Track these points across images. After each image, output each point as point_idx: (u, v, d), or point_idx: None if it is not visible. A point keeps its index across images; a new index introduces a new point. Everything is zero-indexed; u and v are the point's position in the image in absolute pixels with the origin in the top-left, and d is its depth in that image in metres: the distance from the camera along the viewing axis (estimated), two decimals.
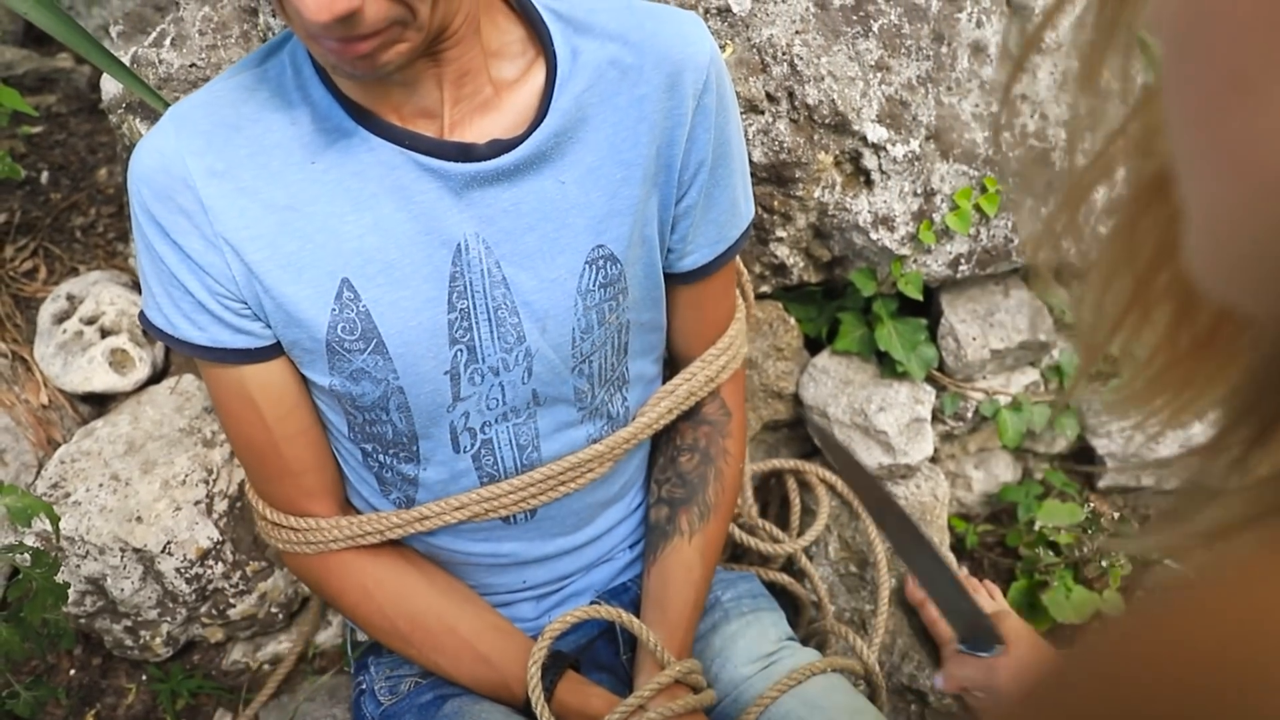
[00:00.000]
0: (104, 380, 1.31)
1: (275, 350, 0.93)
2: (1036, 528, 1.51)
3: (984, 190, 1.33)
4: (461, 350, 0.92)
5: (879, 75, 1.23)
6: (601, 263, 0.93)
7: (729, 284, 1.11)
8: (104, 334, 1.34)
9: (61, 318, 1.38)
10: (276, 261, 0.86)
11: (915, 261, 1.36)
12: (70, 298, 1.40)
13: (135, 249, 0.92)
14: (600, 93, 0.89)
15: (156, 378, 1.37)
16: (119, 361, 1.33)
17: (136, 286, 1.43)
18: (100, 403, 1.38)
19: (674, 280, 1.04)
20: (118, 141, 1.27)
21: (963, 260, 1.39)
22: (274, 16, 1.15)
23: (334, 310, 0.88)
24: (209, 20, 1.20)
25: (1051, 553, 1.48)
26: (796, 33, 1.18)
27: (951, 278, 1.41)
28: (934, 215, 1.32)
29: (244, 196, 0.85)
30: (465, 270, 0.89)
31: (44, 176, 1.59)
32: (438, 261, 0.88)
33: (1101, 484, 1.65)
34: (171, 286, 0.89)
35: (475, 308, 0.90)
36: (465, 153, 0.86)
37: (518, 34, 0.90)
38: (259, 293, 0.88)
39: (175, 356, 1.40)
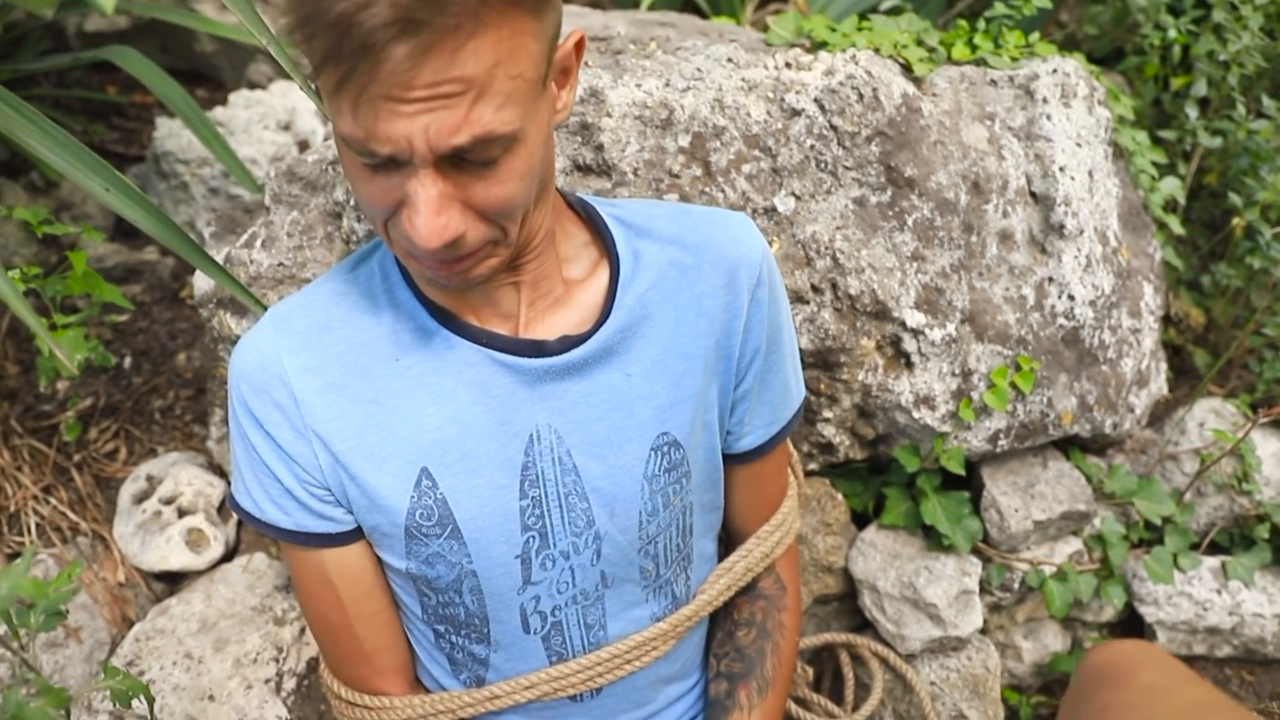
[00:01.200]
0: (180, 559, 1.36)
1: (355, 535, 0.98)
2: None
3: (1018, 368, 1.39)
4: (533, 536, 0.96)
5: (915, 265, 1.31)
6: (666, 449, 0.99)
7: (783, 463, 1.16)
8: (181, 514, 1.40)
9: (141, 498, 1.45)
10: (361, 451, 0.93)
11: (956, 437, 1.41)
12: (150, 478, 1.47)
13: (229, 436, 1.00)
14: (662, 291, 0.97)
15: (229, 555, 1.42)
16: (195, 540, 1.38)
17: (213, 468, 1.50)
18: (173, 580, 1.43)
19: (732, 461, 1.09)
20: (207, 333, 1.36)
21: (1001, 435, 1.44)
22: (358, 221, 1.26)
23: (413, 497, 0.94)
24: (296, 223, 1.32)
25: None
26: (838, 228, 1.27)
27: (991, 452, 1.46)
28: (972, 394, 1.38)
29: (333, 391, 0.93)
30: (537, 459, 0.95)
31: (127, 361, 1.69)
32: (511, 451, 0.94)
33: None
34: (262, 474, 0.96)
35: (546, 495, 0.96)
36: (538, 349, 0.94)
37: (584, 238, 0.99)
38: (343, 480, 0.94)
39: (246, 534, 1.45)
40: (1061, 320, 1.44)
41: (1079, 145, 1.47)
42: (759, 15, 2.18)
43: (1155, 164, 1.73)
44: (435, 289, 0.94)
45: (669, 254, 0.98)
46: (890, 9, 1.97)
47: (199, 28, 1.78)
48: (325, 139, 1.46)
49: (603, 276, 0.97)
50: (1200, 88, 1.84)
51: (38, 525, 1.46)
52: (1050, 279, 1.43)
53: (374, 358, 0.94)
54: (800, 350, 1.27)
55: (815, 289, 1.27)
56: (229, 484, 1.48)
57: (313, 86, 1.17)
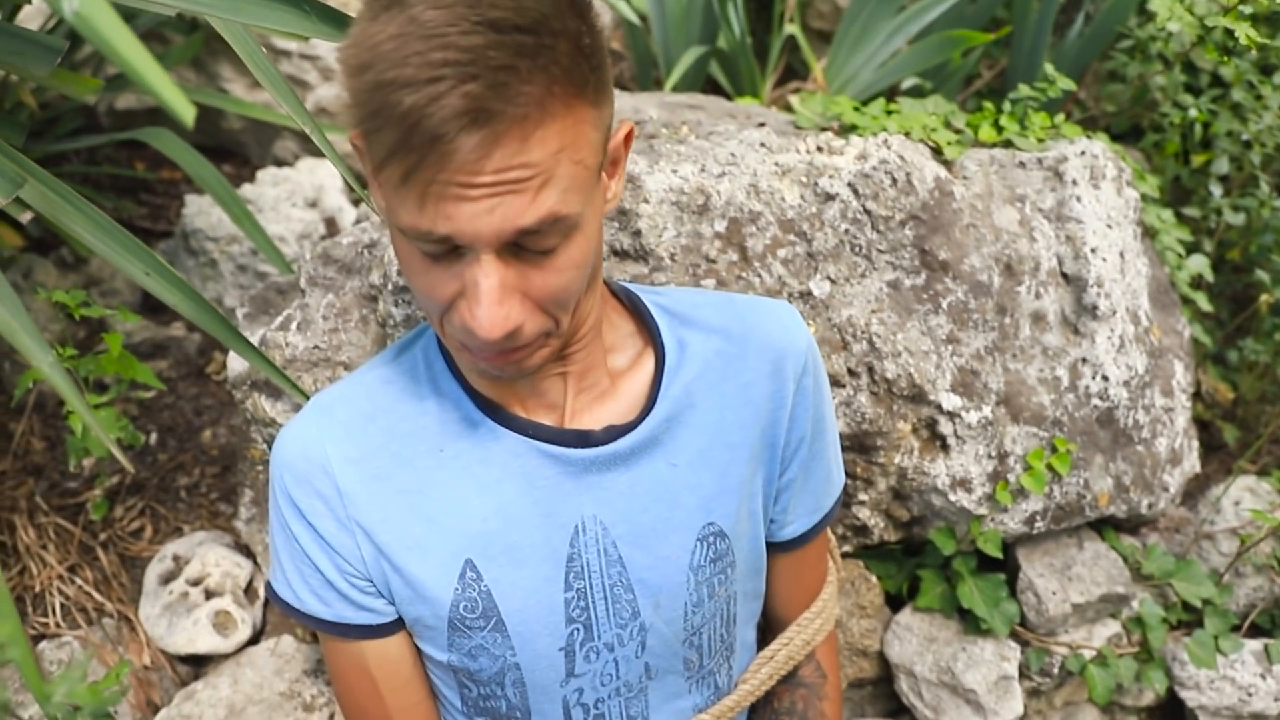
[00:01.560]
0: (208, 642, 1.34)
1: (395, 626, 0.97)
2: None
3: (1054, 450, 1.39)
4: (578, 629, 0.95)
5: (950, 348, 1.32)
6: (712, 539, 0.98)
7: (823, 549, 1.15)
8: (209, 595, 1.39)
9: (167, 578, 1.43)
10: (405, 543, 0.92)
11: (992, 520, 1.40)
12: (176, 558, 1.46)
13: (269, 524, 0.99)
14: (708, 380, 0.97)
15: (255, 638, 1.40)
16: (222, 623, 1.37)
17: (240, 548, 1.49)
18: (199, 663, 1.42)
19: (774, 549, 1.09)
20: (239, 414, 1.37)
21: (1038, 517, 1.43)
22: (395, 305, 1.27)
23: (457, 589, 0.93)
24: (332, 306, 1.32)
25: None
26: (873, 312, 1.28)
27: (1027, 534, 1.45)
28: (1009, 476, 1.37)
29: (377, 482, 0.92)
30: (582, 550, 0.94)
31: (153, 438, 1.69)
32: (556, 543, 0.94)
33: None
34: (302, 564, 0.95)
35: (591, 586, 0.95)
36: (584, 439, 0.93)
37: (629, 327, 1.00)
38: (386, 572, 0.93)
39: (273, 615, 1.44)
40: (1096, 401, 1.44)
41: (1110, 226, 1.48)
42: (778, 93, 2.22)
43: (1180, 240, 1.74)
44: (482, 379, 0.94)
45: (714, 343, 0.98)
46: (911, 88, 2.01)
47: (230, 109, 1.81)
48: (357, 221, 1.48)
49: (648, 365, 0.97)
50: (1222, 165, 1.86)
51: (63, 605, 1.45)
52: (1084, 360, 1.43)
53: (418, 448, 0.94)
54: (840, 435, 1.26)
55: (852, 373, 1.27)
56: (256, 564, 1.47)
57: (350, 175, 1.17)
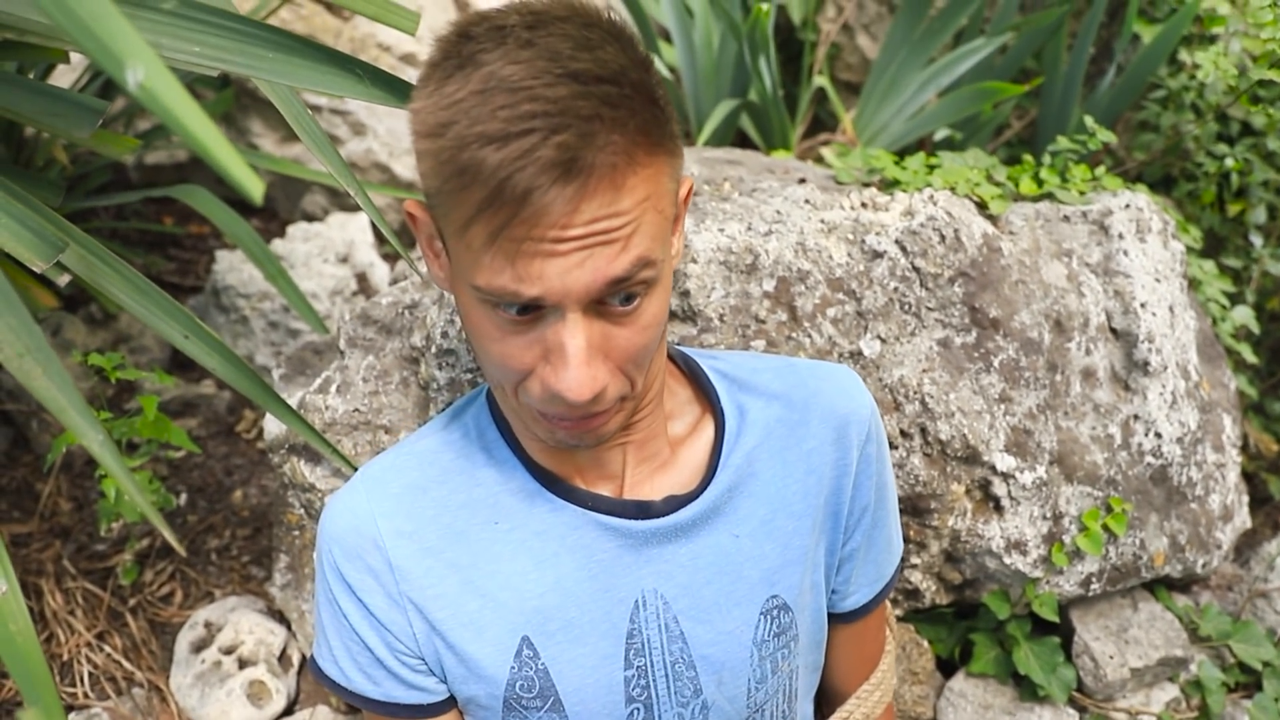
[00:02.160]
0: (241, 714, 1.30)
1: (447, 705, 0.93)
2: None
3: (1110, 510, 1.35)
4: (638, 708, 0.91)
5: (1003, 407, 1.29)
6: (775, 612, 0.94)
7: (883, 619, 1.11)
8: (242, 664, 1.35)
9: (199, 646, 1.40)
10: (459, 619, 0.89)
11: (1048, 582, 1.36)
12: (208, 625, 1.42)
13: (315, 597, 0.96)
14: (770, 448, 0.93)
15: (290, 708, 1.36)
16: (256, 693, 1.33)
17: (273, 613, 1.46)
18: None
19: (835, 620, 1.05)
20: (276, 478, 1.34)
21: (1094, 579, 1.39)
22: (439, 369, 1.24)
23: (514, 668, 0.89)
24: (372, 368, 1.30)
25: None
26: (924, 371, 1.25)
27: (1082, 596, 1.41)
28: (1064, 537, 1.33)
29: (430, 556, 0.89)
30: (643, 626, 0.91)
31: (183, 499, 1.66)
32: (615, 618, 0.90)
33: None
34: (350, 641, 0.91)
35: (652, 664, 0.91)
36: (644, 510, 0.90)
37: (687, 394, 0.96)
38: (439, 649, 0.90)
39: (307, 684, 1.40)
40: (1149, 458, 1.40)
41: (1158, 280, 1.45)
42: (807, 144, 2.21)
43: (1223, 292, 1.72)
44: (540, 449, 0.91)
45: (775, 410, 0.95)
46: (942, 139, 2.00)
47: (263, 165, 1.80)
48: (394, 280, 1.46)
49: (707, 433, 0.94)
50: (1260, 215, 1.84)
51: (91, 674, 1.41)
52: (1136, 416, 1.40)
53: (472, 521, 0.90)
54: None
55: (904, 434, 1.24)
56: (290, 630, 1.43)
57: (388, 229, 1.15)
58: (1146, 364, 1.40)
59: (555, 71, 0.67)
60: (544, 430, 0.82)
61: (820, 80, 2.11)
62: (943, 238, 1.29)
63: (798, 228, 1.26)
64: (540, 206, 0.67)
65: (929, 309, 1.28)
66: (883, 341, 1.25)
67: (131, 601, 1.51)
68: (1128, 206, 1.46)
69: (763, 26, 1.88)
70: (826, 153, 1.65)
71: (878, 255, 1.27)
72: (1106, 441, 1.38)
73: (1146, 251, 1.46)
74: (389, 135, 2.18)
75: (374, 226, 2.12)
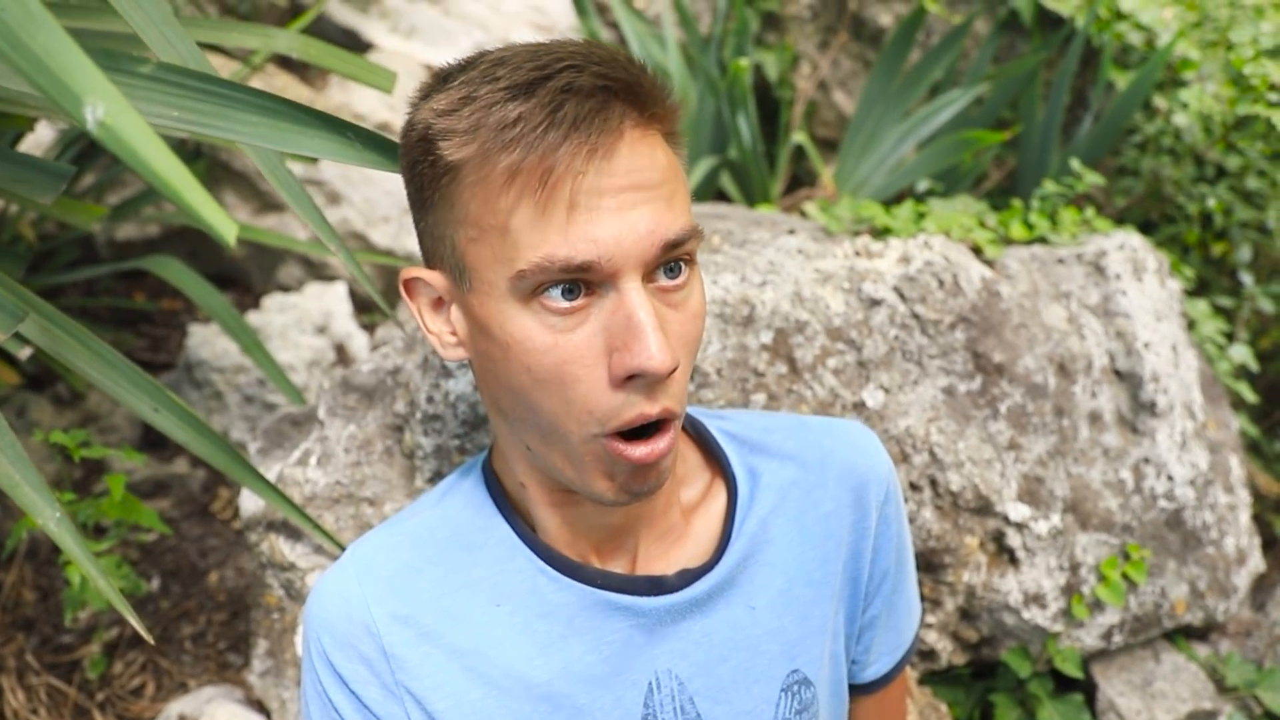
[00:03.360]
0: None
1: None
2: None
3: (1128, 558, 1.29)
4: None
5: (1013, 454, 1.23)
6: (797, 688, 0.87)
7: (905, 687, 1.04)
8: None
9: None
10: (461, 710, 0.81)
11: (1069, 636, 1.29)
12: (182, 718, 1.32)
13: (301, 686, 0.87)
14: (785, 513, 0.87)
15: None
16: None
17: (252, 703, 1.36)
18: None
19: (855, 691, 0.97)
20: (254, 558, 1.25)
21: (1115, 631, 1.32)
22: (424, 435, 1.17)
23: None
24: (354, 438, 1.23)
25: None
26: (930, 420, 1.19)
27: (1104, 649, 1.34)
28: (1082, 588, 1.27)
29: (427, 642, 0.81)
30: (658, 710, 0.83)
31: (154, 584, 1.57)
32: (628, 704, 0.82)
33: None
34: None
35: None
36: (657, 586, 0.82)
37: (695, 458, 0.90)
38: None
39: None
40: (1163, 502, 1.35)
41: (1158, 320, 1.42)
42: (788, 201, 2.19)
43: (1219, 331, 1.69)
44: (550, 524, 0.83)
45: (789, 472, 0.88)
46: (924, 193, 1.98)
47: (241, 235, 1.74)
48: (375, 346, 1.39)
49: (719, 500, 0.87)
50: (1245, 253, 1.82)
51: None
52: (1146, 459, 1.35)
53: (472, 603, 0.82)
54: None
55: (914, 486, 1.18)
56: None
57: (374, 290, 1.08)
58: (1153, 405, 1.36)
59: (569, 48, 0.68)
60: (603, 478, 0.73)
61: (799, 137, 2.10)
62: (941, 283, 1.24)
63: (793, 277, 1.22)
64: (584, 144, 0.64)
65: (931, 356, 1.23)
66: (886, 391, 1.19)
67: (100, 696, 1.41)
68: (1122, 247, 1.43)
69: (741, 83, 1.86)
70: (809, 207, 1.61)
71: (876, 303, 1.22)
72: (1119, 486, 1.33)
73: (1144, 291, 1.43)
74: (365, 204, 2.13)
75: (352, 296, 2.07)
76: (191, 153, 2.00)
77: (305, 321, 1.83)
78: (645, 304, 0.67)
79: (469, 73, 0.69)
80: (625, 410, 0.69)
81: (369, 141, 0.80)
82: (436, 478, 1.18)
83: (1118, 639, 1.33)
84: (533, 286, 0.67)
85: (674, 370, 0.68)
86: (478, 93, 0.67)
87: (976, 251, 1.36)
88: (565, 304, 0.68)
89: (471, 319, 0.73)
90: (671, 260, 0.70)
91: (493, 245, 0.68)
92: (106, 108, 0.52)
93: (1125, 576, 1.28)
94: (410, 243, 2.16)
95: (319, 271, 2.14)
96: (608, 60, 0.67)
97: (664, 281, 0.70)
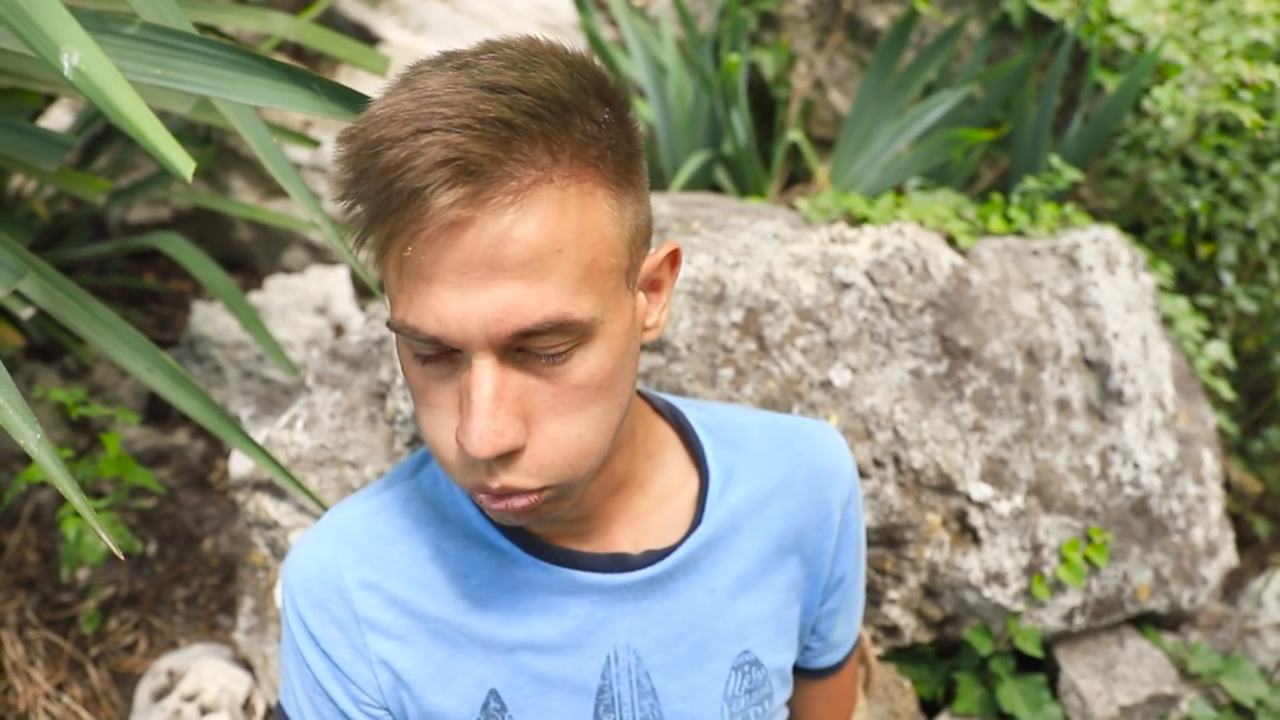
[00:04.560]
0: None
1: None
2: None
3: (1090, 541, 1.32)
4: None
5: (977, 436, 1.26)
6: (747, 668, 0.90)
7: (855, 671, 1.07)
8: (204, 712, 1.29)
9: (160, 694, 1.34)
10: (426, 670, 0.84)
11: (1030, 616, 1.32)
12: (170, 673, 1.36)
13: (282, 642, 0.91)
14: (752, 505, 0.90)
15: None
16: None
17: (238, 661, 1.40)
18: None
19: (808, 676, 1.01)
20: (241, 519, 1.30)
21: (1077, 613, 1.34)
22: (404, 400, 1.21)
23: None
24: (339, 404, 1.27)
25: None
26: (896, 400, 1.22)
27: (1066, 631, 1.36)
28: (1044, 569, 1.30)
29: (395, 606, 0.84)
30: (614, 682, 0.86)
31: (151, 548, 1.62)
32: (587, 674, 0.86)
33: None
34: (314, 693, 0.87)
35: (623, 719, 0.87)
36: (619, 563, 0.85)
37: (676, 447, 0.91)
38: (404, 701, 0.85)
39: None
40: (1129, 489, 1.37)
41: (1129, 311, 1.45)
42: (783, 198, 2.22)
43: (1198, 329, 1.71)
44: None
45: (760, 466, 0.91)
46: (915, 190, 2.01)
47: (242, 214, 1.80)
48: (369, 318, 1.44)
49: (691, 485, 0.90)
50: (1229, 255, 1.84)
51: None
52: (1113, 447, 1.37)
53: (441, 574, 0.85)
54: (865, 529, 1.20)
55: (877, 463, 1.21)
56: (255, 677, 1.38)
57: (363, 271, 1.13)
58: (1121, 394, 1.38)
59: (466, 82, 0.61)
60: (489, 509, 0.73)
61: (795, 135, 2.13)
62: (911, 268, 1.28)
63: (766, 260, 1.25)
64: (427, 212, 0.60)
65: (899, 339, 1.26)
66: (853, 371, 1.23)
67: (94, 651, 1.45)
68: (1096, 240, 1.46)
69: (733, 79, 1.90)
70: (801, 202, 1.65)
71: (846, 286, 1.25)
72: (1084, 472, 1.35)
73: (1116, 283, 1.45)
74: None
75: (356, 281, 2.12)
76: (201, 137, 2.05)
77: (306, 302, 1.88)
78: (483, 383, 0.64)
79: (393, 94, 0.64)
80: (469, 473, 0.69)
81: (334, 94, 0.84)
82: (416, 443, 1.23)
83: (1080, 621, 1.35)
84: (402, 338, 0.67)
85: (513, 452, 0.66)
86: (366, 129, 0.62)
87: (951, 241, 1.39)
88: (427, 353, 0.67)
89: None
90: (542, 347, 0.65)
91: (384, 279, 0.67)
92: (81, 55, 0.57)
93: (1087, 559, 1.30)
94: None
95: (322, 256, 2.19)
96: (503, 105, 0.60)
97: (537, 352, 0.66)
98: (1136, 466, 1.38)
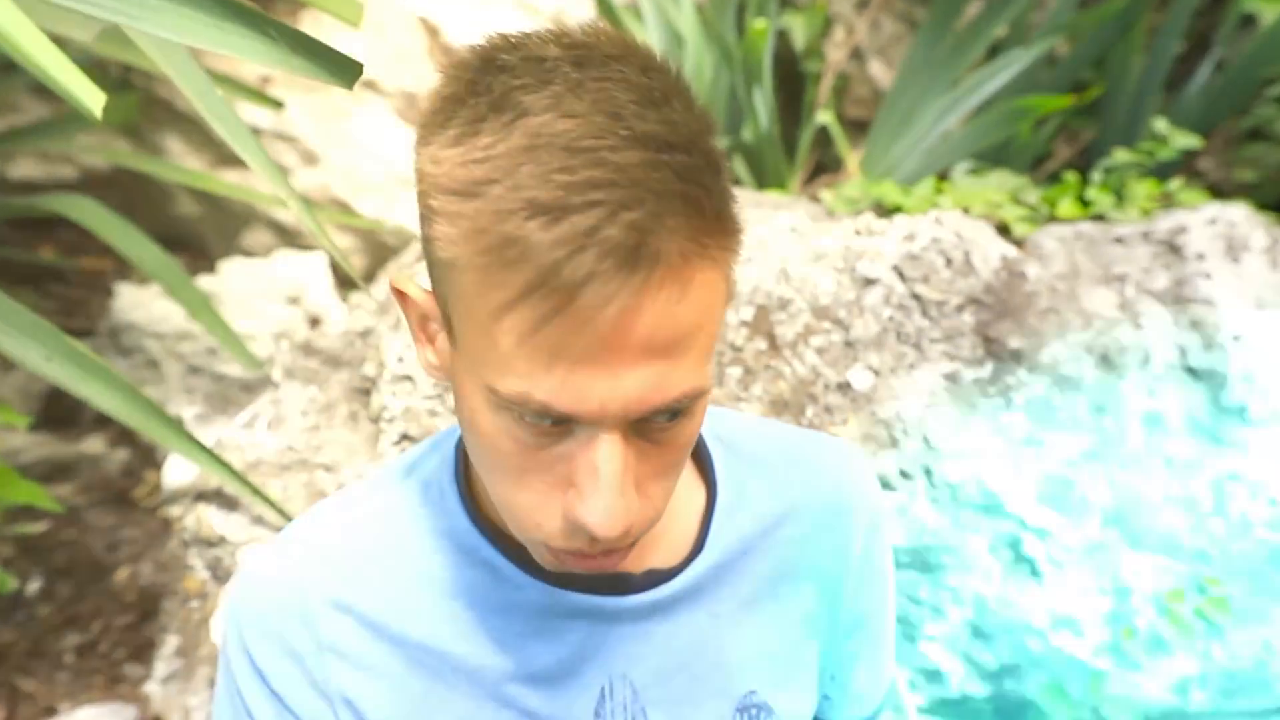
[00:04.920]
0: None
1: None
2: None
3: (1204, 592, 1.59)
4: None
5: (1031, 450, 1.63)
6: (754, 711, 1.15)
7: None
8: None
9: None
10: (397, 709, 1.03)
11: (1122, 680, 1.58)
12: None
13: (215, 690, 1.11)
14: (764, 527, 1.12)
15: None
16: None
17: None
18: None
19: None
20: (174, 536, 1.64)
21: (1194, 686, 1.64)
22: (393, 397, 1.57)
23: None
24: (314, 401, 1.65)
25: None
26: (927, 406, 1.61)
27: (1181, 711, 1.64)
28: (1135, 620, 1.59)
29: (369, 630, 1.03)
30: (608, 718, 1.06)
31: (31, 586, 1.86)
32: (579, 710, 1.05)
33: None
34: None
35: None
36: (619, 584, 1.05)
37: None
38: None
39: None
40: (1262, 532, 1.67)
41: (1260, 308, 1.76)
42: (808, 190, 2.60)
43: None
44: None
45: (775, 486, 1.14)
46: (968, 173, 2.31)
47: (183, 181, 2.11)
48: (352, 309, 1.80)
49: (697, 500, 1.10)
50: None
51: None
52: (1233, 476, 1.69)
53: (424, 595, 1.03)
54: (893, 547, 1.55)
55: (904, 474, 1.61)
56: None
57: (345, 262, 1.44)
58: (1244, 410, 1.71)
59: (620, 133, 0.75)
60: (550, 560, 0.93)
61: (825, 117, 2.42)
62: (949, 261, 1.67)
63: (780, 255, 1.66)
64: (598, 300, 0.74)
65: (933, 340, 1.66)
66: (875, 373, 1.63)
67: None
68: (1213, 221, 1.81)
69: (757, 50, 2.23)
70: (825, 193, 1.95)
71: (870, 282, 1.67)
72: (1189, 504, 1.68)
73: (1240, 274, 1.79)
74: (349, 169, 2.53)
75: (336, 271, 2.42)
76: (118, 83, 2.37)
77: (274, 290, 2.24)
78: (614, 459, 0.81)
79: (499, 136, 0.77)
80: (570, 538, 0.87)
81: (297, 44, 0.96)
82: (404, 440, 1.59)
83: (1200, 698, 1.64)
84: (506, 405, 0.83)
85: (628, 530, 0.85)
86: (498, 181, 0.76)
87: (1003, 230, 1.76)
88: (536, 425, 0.82)
89: (453, 370, 0.90)
90: (664, 416, 0.83)
91: (479, 337, 0.81)
92: None
93: (1199, 614, 1.58)
94: (403, 214, 2.57)
95: (293, 239, 2.55)
96: (669, 170, 0.75)
97: (652, 424, 0.83)
98: (1272, 504, 1.69)
